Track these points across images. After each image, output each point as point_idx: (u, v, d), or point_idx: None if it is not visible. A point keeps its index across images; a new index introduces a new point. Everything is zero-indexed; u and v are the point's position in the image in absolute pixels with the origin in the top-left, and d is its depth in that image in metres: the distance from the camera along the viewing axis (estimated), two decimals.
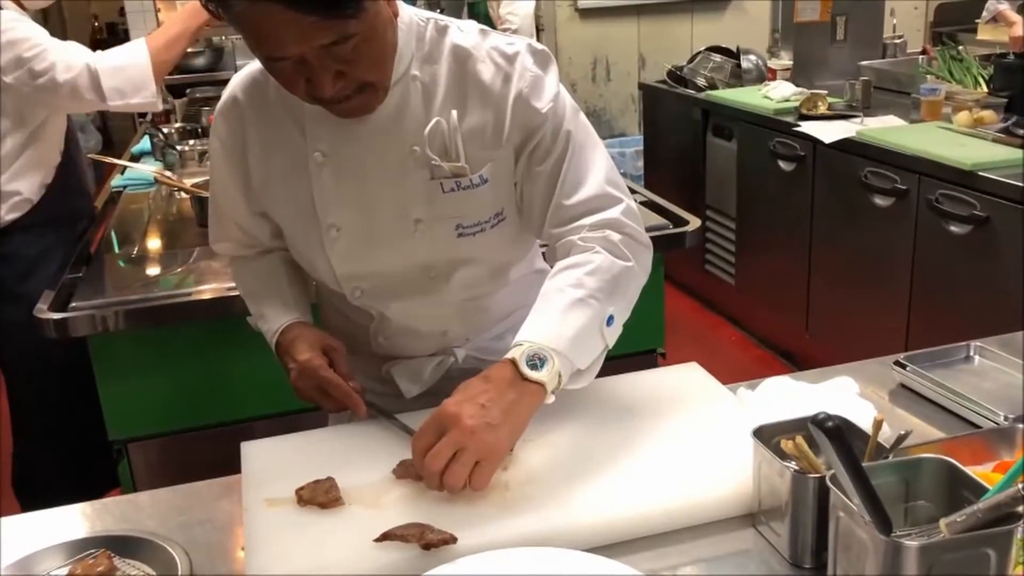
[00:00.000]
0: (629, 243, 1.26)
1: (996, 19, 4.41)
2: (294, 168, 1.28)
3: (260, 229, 1.40)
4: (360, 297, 1.35)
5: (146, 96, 2.30)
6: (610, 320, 1.21)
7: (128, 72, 2.28)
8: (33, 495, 2.52)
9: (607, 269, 1.22)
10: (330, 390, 1.29)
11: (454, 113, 1.23)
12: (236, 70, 1.35)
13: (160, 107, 2.39)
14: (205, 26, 2.42)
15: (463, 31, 1.27)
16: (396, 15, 1.18)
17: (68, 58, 2.21)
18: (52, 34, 2.28)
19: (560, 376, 1.15)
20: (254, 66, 1.29)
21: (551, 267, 1.28)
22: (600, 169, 1.28)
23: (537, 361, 1.13)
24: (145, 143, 3.37)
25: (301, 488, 1.13)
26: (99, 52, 2.28)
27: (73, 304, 1.89)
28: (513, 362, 1.12)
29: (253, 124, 1.29)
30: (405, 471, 1.16)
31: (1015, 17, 4.18)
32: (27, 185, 2.30)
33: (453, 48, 1.25)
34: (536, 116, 1.24)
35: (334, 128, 1.24)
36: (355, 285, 1.34)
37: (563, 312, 1.17)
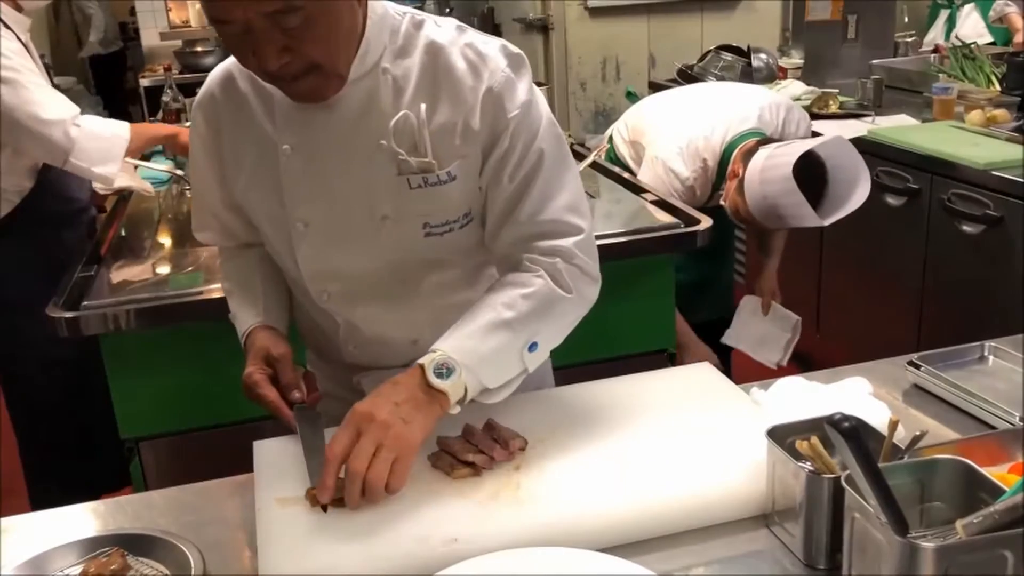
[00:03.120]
0: (575, 274, 1.25)
1: (1002, 21, 4.40)
2: (265, 162, 1.27)
3: (235, 222, 1.40)
4: (328, 301, 1.33)
5: (108, 170, 2.30)
6: (533, 346, 1.22)
7: (104, 142, 2.29)
8: (41, 494, 2.54)
9: (544, 296, 1.22)
10: (263, 406, 1.26)
11: (423, 107, 1.21)
12: None
13: (113, 185, 2.41)
14: (167, 140, 2.58)
15: (440, 26, 1.25)
16: (362, 2, 1.18)
17: (51, 100, 2.22)
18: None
19: (466, 389, 1.16)
20: (230, 60, 1.29)
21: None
22: (567, 193, 1.26)
23: (444, 370, 1.15)
24: None
25: (312, 488, 1.13)
26: (86, 116, 2.30)
27: (85, 303, 1.90)
28: (422, 368, 1.15)
29: (227, 118, 1.29)
30: (438, 460, 1.19)
31: (1019, 25, 4.17)
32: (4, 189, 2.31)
33: (427, 43, 1.23)
34: (504, 118, 1.22)
35: (303, 120, 1.24)
36: (322, 287, 1.32)
37: (485, 329, 1.19)
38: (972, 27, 4.41)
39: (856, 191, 2.24)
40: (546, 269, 1.24)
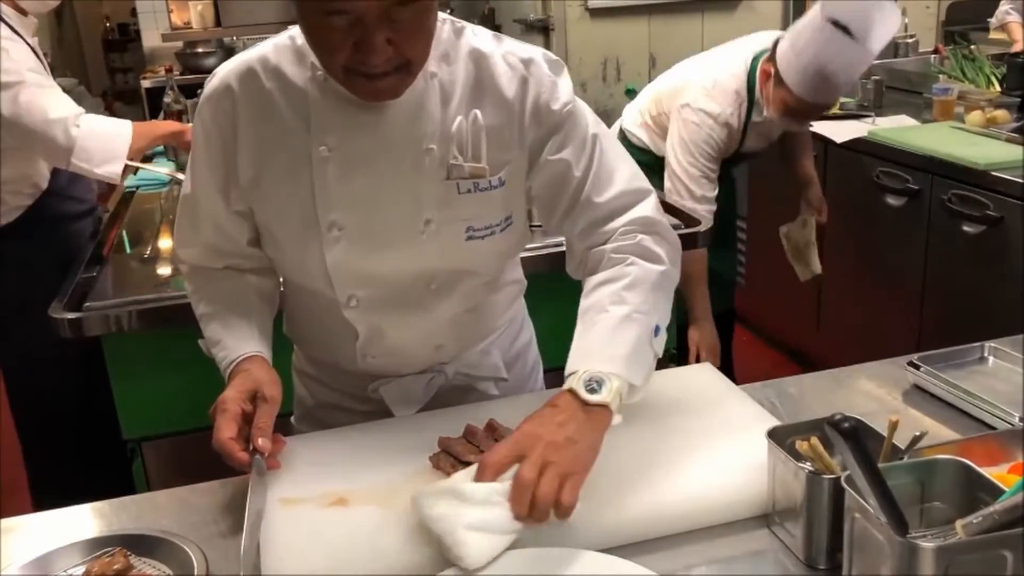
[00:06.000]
0: (660, 243, 1.26)
1: (1003, 28, 4.40)
2: (293, 163, 1.23)
3: (239, 230, 1.32)
4: (356, 307, 1.29)
5: (110, 170, 2.31)
6: (657, 330, 1.20)
7: (106, 141, 2.29)
8: (43, 495, 2.54)
9: (644, 279, 1.21)
10: (216, 438, 1.16)
11: (478, 113, 1.22)
12: None
13: (118, 182, 2.44)
14: (171, 138, 2.60)
15: (477, 35, 1.27)
16: None
17: (53, 101, 2.23)
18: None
19: (620, 395, 1.12)
20: (248, 55, 1.25)
21: (581, 276, 1.29)
22: (627, 164, 1.30)
23: (595, 385, 1.11)
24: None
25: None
26: (87, 115, 2.30)
27: (87, 304, 1.90)
28: (572, 391, 1.11)
29: (247, 115, 1.23)
30: (440, 461, 1.18)
31: (1018, 34, 4.18)
32: (13, 195, 2.32)
33: (470, 50, 1.25)
34: (554, 117, 1.25)
35: (344, 121, 1.21)
36: (351, 292, 1.28)
37: (611, 332, 1.16)
38: None
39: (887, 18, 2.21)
40: (632, 252, 1.24)
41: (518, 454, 1.04)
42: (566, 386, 1.12)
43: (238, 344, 1.29)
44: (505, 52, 1.25)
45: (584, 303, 1.22)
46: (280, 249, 1.30)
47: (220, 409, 1.19)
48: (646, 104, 2.74)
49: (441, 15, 1.25)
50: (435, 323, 1.32)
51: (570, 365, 1.14)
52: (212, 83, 1.26)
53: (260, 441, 1.17)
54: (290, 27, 1.25)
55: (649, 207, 1.28)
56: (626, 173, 1.29)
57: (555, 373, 1.63)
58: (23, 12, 2.32)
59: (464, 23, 1.28)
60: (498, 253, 1.32)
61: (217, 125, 1.25)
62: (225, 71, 1.25)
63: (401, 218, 1.24)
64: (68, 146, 2.23)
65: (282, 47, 1.24)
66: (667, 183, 2.54)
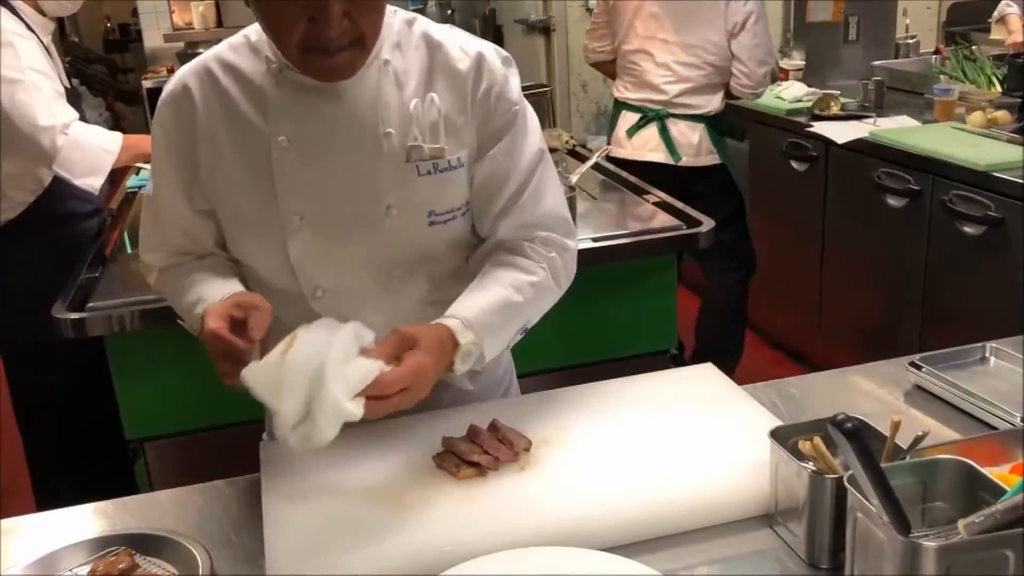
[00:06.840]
0: (567, 272, 1.35)
1: (1002, 21, 4.42)
2: (252, 157, 1.24)
3: (203, 230, 1.32)
4: (321, 298, 1.30)
5: (89, 183, 2.31)
6: (522, 331, 1.31)
7: (90, 154, 2.29)
8: (46, 495, 2.55)
9: (542, 287, 1.30)
10: (207, 338, 1.16)
11: (434, 96, 1.25)
12: None
13: (97, 193, 2.41)
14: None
15: (429, 24, 1.30)
16: None
17: (48, 105, 2.23)
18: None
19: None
20: (205, 56, 1.28)
21: (477, 268, 1.32)
22: (557, 189, 1.36)
23: (469, 359, 1.21)
24: None
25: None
26: (78, 124, 2.29)
27: (90, 304, 1.91)
28: (457, 347, 1.19)
29: (204, 114, 1.25)
30: (443, 461, 1.19)
31: (1015, 26, 4.19)
32: (15, 190, 2.33)
33: (424, 36, 1.28)
34: (505, 113, 1.29)
35: (301, 111, 1.23)
36: (316, 284, 1.29)
37: (502, 311, 1.25)
38: None
39: None
40: (547, 262, 1.31)
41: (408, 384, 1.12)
42: (459, 337, 1.19)
43: (217, 292, 1.25)
44: (459, 41, 1.29)
45: (492, 268, 1.29)
46: (244, 245, 1.32)
47: (207, 314, 1.17)
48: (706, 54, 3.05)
49: (391, 6, 1.26)
50: (402, 315, 1.31)
51: (471, 316, 1.21)
52: (169, 86, 1.28)
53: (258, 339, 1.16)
54: (245, 28, 1.29)
55: (571, 240, 1.36)
56: (557, 197, 1.35)
57: (532, 377, 1.65)
58: (42, 12, 2.34)
59: (415, 15, 1.31)
60: (461, 240, 1.34)
61: (177, 126, 1.27)
62: (181, 73, 1.28)
63: (362, 204, 1.26)
64: (51, 155, 2.23)
65: (237, 44, 1.28)
66: (758, 69, 3.01)
